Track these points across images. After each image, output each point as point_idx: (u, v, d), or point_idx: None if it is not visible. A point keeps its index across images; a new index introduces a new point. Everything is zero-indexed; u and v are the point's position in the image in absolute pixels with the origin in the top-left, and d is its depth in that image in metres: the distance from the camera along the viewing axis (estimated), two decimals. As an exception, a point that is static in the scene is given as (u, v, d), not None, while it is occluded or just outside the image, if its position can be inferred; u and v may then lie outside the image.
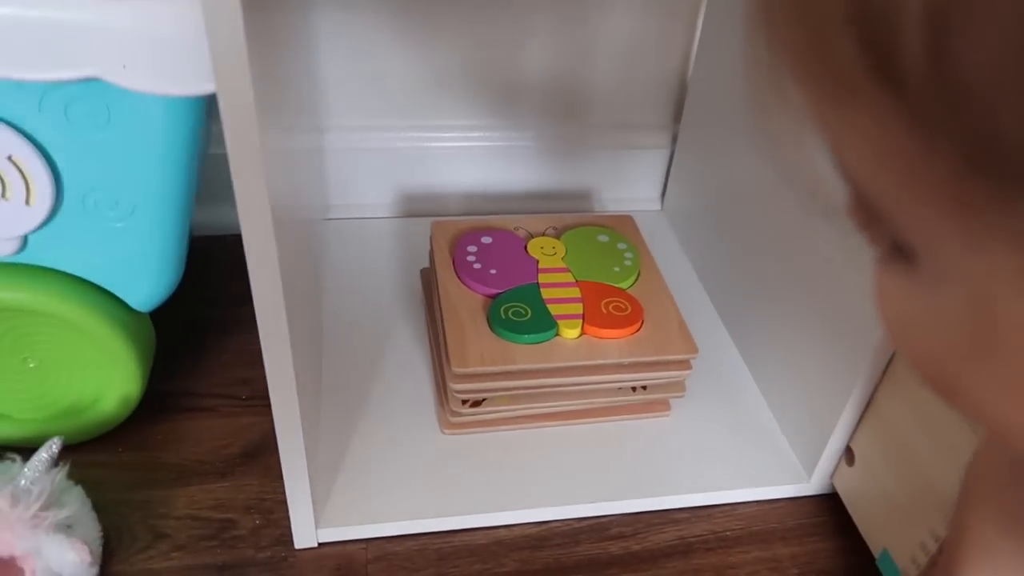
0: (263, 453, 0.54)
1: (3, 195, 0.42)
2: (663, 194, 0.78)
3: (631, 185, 0.77)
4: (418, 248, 0.70)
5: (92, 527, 0.46)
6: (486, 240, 0.60)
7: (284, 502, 0.46)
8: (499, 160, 0.73)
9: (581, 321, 0.54)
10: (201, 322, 0.63)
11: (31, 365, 0.50)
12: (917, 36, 0.13)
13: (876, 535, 0.50)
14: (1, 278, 0.46)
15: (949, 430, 0.44)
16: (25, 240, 0.45)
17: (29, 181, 0.42)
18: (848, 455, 0.52)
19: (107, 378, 0.51)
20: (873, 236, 0.19)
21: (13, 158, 0.41)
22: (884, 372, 0.48)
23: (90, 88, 0.39)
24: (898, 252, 0.18)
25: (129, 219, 0.45)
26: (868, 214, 0.18)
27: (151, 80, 0.39)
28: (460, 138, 0.72)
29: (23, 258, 0.46)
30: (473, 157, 0.73)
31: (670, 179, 0.76)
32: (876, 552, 0.50)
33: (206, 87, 0.40)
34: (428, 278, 0.63)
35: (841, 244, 0.49)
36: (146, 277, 0.48)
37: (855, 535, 0.52)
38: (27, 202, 0.43)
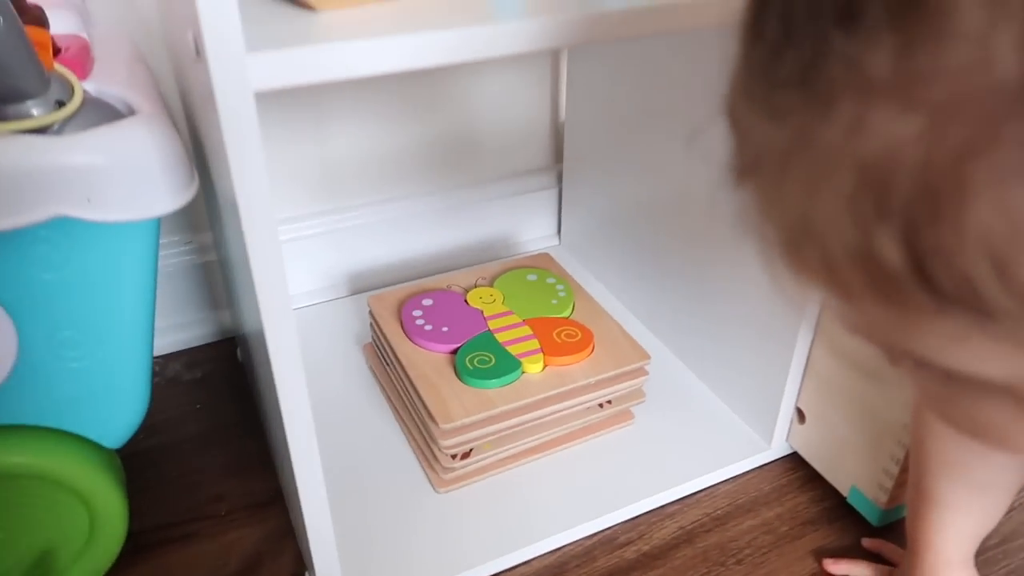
0: (264, 562, 0.53)
1: (-35, 357, 0.40)
2: (559, 229, 0.83)
3: (530, 226, 0.82)
4: (349, 327, 0.71)
5: None
6: (427, 302, 0.62)
7: (315, 597, 0.46)
8: (408, 228, 0.76)
9: (542, 355, 0.57)
10: (149, 452, 0.61)
11: (-1, 535, 0.47)
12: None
13: (841, 477, 0.57)
14: (-36, 447, 0.43)
15: (882, 367, 0.51)
16: (-13, 400, 0.43)
17: (-9, 336, 0.40)
18: (799, 415, 0.59)
19: (90, 527, 0.48)
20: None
21: (-27, 316, 0.40)
22: (814, 334, 0.55)
23: (51, 226, 0.39)
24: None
25: (95, 355, 0.44)
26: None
27: (120, 208, 0.39)
28: (369, 214, 0.74)
29: (-16, 421, 0.43)
30: (383, 230, 0.75)
31: (563, 214, 0.82)
32: (845, 491, 0.56)
33: (178, 201, 0.40)
34: (377, 351, 0.65)
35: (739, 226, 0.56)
36: (118, 412, 0.47)
37: (823, 483, 0.58)
38: (-9, 358, 0.41)
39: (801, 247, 0.21)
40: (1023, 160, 0.16)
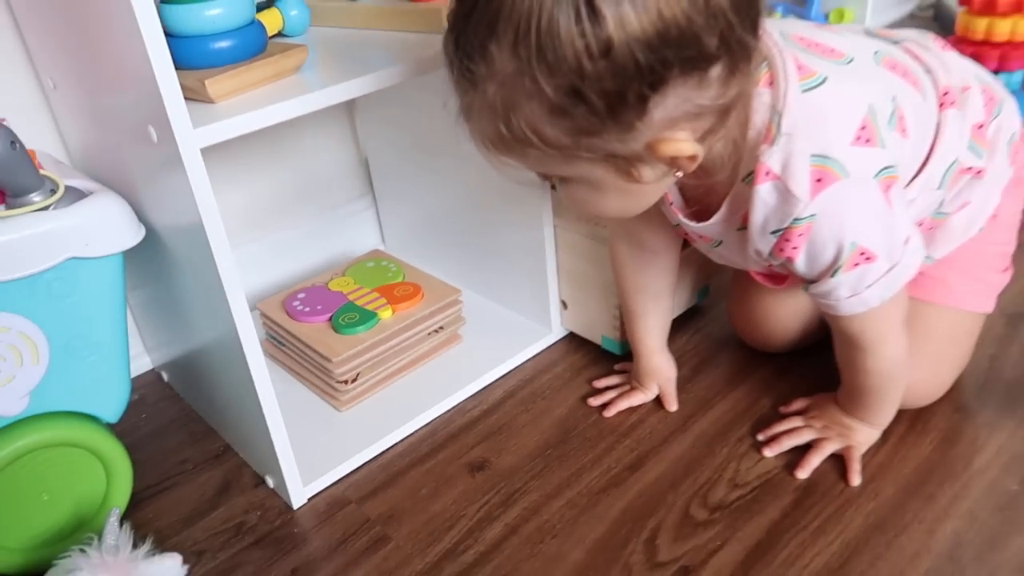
0: (231, 486, 0.76)
1: (21, 363, 0.62)
2: (382, 235, 1.11)
3: (363, 237, 1.09)
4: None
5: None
6: (302, 295, 0.88)
7: (266, 500, 0.71)
8: (276, 255, 1.01)
9: (389, 305, 0.85)
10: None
11: (45, 498, 0.68)
12: None
13: (595, 333, 0.88)
14: (19, 429, 0.64)
15: (599, 253, 0.82)
16: (30, 395, 0.64)
17: (33, 346, 0.63)
18: (563, 305, 0.90)
19: (107, 481, 0.70)
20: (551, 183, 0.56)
21: (22, 334, 0.62)
22: (556, 253, 0.86)
23: (64, 266, 0.62)
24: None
25: (98, 352, 0.67)
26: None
27: (106, 242, 0.63)
28: (248, 250, 0.99)
29: (29, 412, 0.65)
30: (260, 259, 1.00)
31: (383, 224, 1.10)
32: (599, 341, 0.88)
33: (138, 237, 0.65)
34: (273, 342, 0.89)
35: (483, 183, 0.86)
36: (115, 393, 0.70)
37: (587, 342, 0.89)
38: (35, 362, 0.63)
39: (499, 145, 0.51)
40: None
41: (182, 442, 0.83)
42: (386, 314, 0.84)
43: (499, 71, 0.47)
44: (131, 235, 0.65)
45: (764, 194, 0.56)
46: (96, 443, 0.68)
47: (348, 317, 0.83)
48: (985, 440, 0.71)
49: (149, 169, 0.63)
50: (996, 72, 1.30)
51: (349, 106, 1.03)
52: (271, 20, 0.75)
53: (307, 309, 0.86)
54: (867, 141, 0.56)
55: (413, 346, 0.86)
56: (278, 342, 0.88)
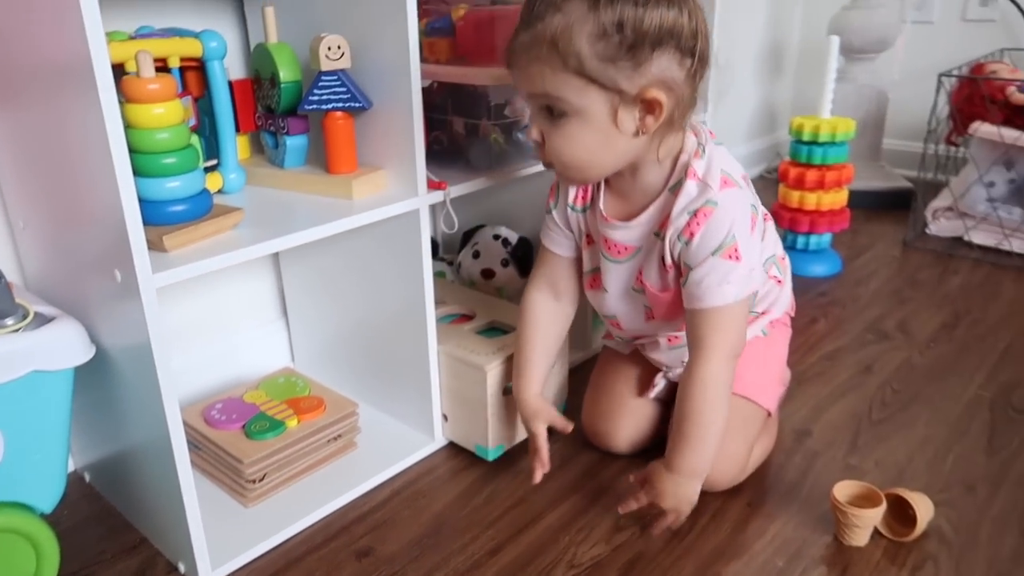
0: (147, 572, 0.88)
1: (-20, 457, 0.75)
2: (292, 356, 1.27)
3: (276, 358, 1.24)
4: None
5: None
6: (219, 406, 1.02)
7: None
8: (197, 371, 1.15)
9: (295, 415, 1.00)
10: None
11: (-18, 580, 0.78)
12: None
13: (469, 440, 1.05)
14: (-29, 517, 0.76)
15: (474, 376, 1.01)
16: (-17, 487, 0.76)
17: (-7, 444, 0.75)
18: (444, 417, 1.07)
19: (36, 564, 0.81)
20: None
21: (-15, 433, 0.75)
22: (440, 376, 1.04)
23: (28, 377, 0.76)
24: (556, 118, 0.78)
25: (44, 450, 0.80)
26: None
27: (63, 359, 0.77)
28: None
29: (-21, 501, 0.76)
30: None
31: (293, 347, 1.26)
32: (473, 449, 1.05)
33: (90, 354, 0.79)
34: (193, 447, 1.02)
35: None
36: (53, 487, 0.82)
37: (464, 450, 1.06)
38: (-8, 457, 0.75)
39: (541, 61, 0.75)
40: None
41: (101, 535, 0.94)
42: (292, 423, 0.99)
43: (569, 11, 0.73)
44: (84, 353, 0.80)
45: (690, 188, 0.83)
46: (32, 530, 0.79)
47: (259, 425, 0.98)
48: (765, 528, 0.92)
49: (107, 301, 0.78)
50: (808, 233, 1.60)
51: (270, 243, 1.21)
52: (214, 181, 0.93)
53: (223, 418, 1.00)
54: (747, 185, 0.86)
55: (314, 451, 1.00)
56: (194, 446, 1.02)
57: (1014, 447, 1.06)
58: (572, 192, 0.93)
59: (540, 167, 1.08)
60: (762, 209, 0.90)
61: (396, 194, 0.95)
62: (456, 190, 0.98)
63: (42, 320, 0.79)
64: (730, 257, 0.82)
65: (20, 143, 0.83)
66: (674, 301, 0.90)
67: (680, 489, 0.87)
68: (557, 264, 0.97)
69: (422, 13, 1.01)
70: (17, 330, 0.76)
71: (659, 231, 0.85)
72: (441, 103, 1.03)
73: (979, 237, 1.71)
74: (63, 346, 0.78)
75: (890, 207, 1.96)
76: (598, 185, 0.91)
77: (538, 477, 0.95)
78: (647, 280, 0.90)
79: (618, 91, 0.75)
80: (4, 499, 0.78)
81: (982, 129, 1.63)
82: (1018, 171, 1.66)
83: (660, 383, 1.02)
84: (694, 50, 0.76)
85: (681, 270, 0.86)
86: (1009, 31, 2.02)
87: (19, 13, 0.72)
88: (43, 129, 0.77)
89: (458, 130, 1.02)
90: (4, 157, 0.88)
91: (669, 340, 0.97)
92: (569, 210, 0.94)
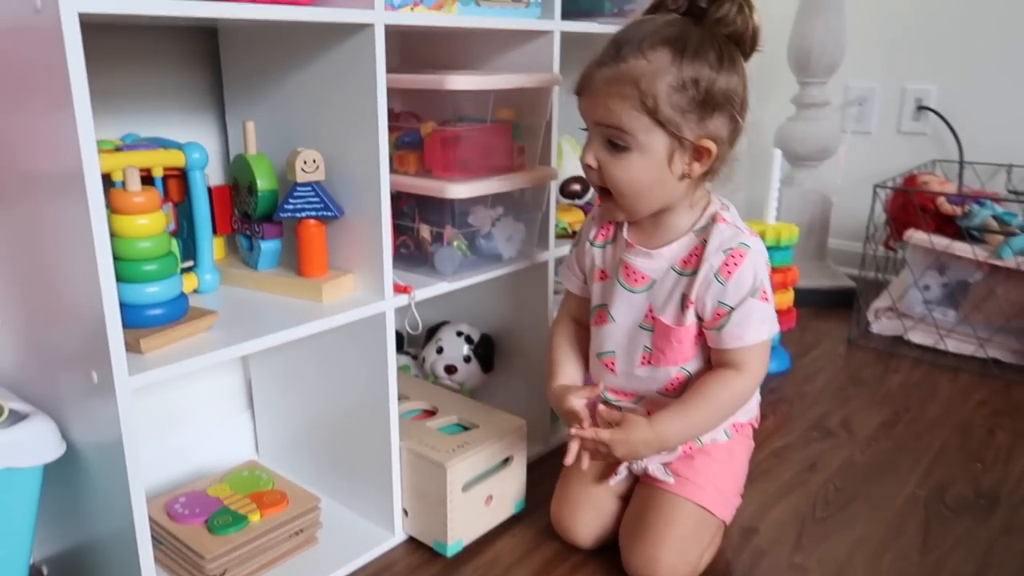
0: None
1: (-56, 555, 0.76)
2: (257, 448, 1.29)
3: (242, 451, 1.26)
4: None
5: None
6: (183, 499, 1.04)
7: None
8: (162, 462, 1.16)
9: (258, 510, 1.02)
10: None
11: None
12: None
13: (428, 535, 1.07)
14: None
15: (434, 472, 1.04)
16: (-56, 585, 0.77)
17: (-42, 541, 0.77)
18: (405, 512, 1.09)
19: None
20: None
21: (-49, 530, 0.76)
22: (401, 473, 1.07)
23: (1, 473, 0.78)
24: (617, 150, 0.89)
25: (9, 546, 0.81)
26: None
27: (34, 456, 0.80)
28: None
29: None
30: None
31: (258, 440, 1.28)
32: (432, 544, 1.07)
33: (60, 451, 0.82)
34: (156, 541, 1.03)
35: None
36: (13, 582, 0.83)
37: (423, 545, 1.08)
38: (-44, 555, 0.77)
39: (621, 98, 0.86)
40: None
41: (56, 632, 0.94)
42: (255, 518, 1.01)
43: (654, 59, 0.85)
44: (56, 450, 0.82)
45: (723, 230, 0.93)
46: (-10, 628, 0.80)
47: (222, 519, 1.00)
48: (711, 624, 0.95)
49: (81, 399, 0.81)
50: (757, 331, 1.68)
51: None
52: (190, 281, 0.98)
53: (186, 512, 1.01)
54: None
55: (276, 546, 1.02)
56: (157, 540, 1.02)
57: (947, 546, 1.11)
58: (594, 230, 1.04)
59: (502, 271, 1.14)
60: None
61: (364, 297, 1.00)
62: (421, 293, 1.04)
63: (16, 417, 0.82)
64: (763, 299, 0.93)
65: (3, 243, 0.87)
66: (682, 339, 0.97)
67: (641, 447, 0.95)
68: (575, 301, 1.09)
69: (394, 128, 1.09)
70: (-9, 428, 0.79)
71: (683, 268, 0.95)
72: (409, 210, 1.10)
73: (917, 337, 1.81)
74: (35, 443, 0.80)
75: (836, 305, 2.06)
76: (621, 225, 1.01)
77: (574, 451, 0.98)
78: (660, 315, 0.97)
79: (679, 137, 0.88)
80: (-37, 596, 0.79)
81: (915, 236, 1.75)
82: (950, 276, 1.77)
83: (622, 472, 1.06)
84: (741, 117, 0.90)
85: (706, 307, 0.94)
86: (940, 143, 2.18)
87: (16, 123, 0.78)
88: (28, 232, 0.82)
89: (424, 236, 1.09)
90: (-12, 257, 0.92)
91: (648, 412, 1.01)
92: (588, 245, 1.04)
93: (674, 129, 0.87)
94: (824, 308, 2.07)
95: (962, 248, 1.68)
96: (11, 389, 0.92)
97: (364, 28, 0.91)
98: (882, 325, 1.88)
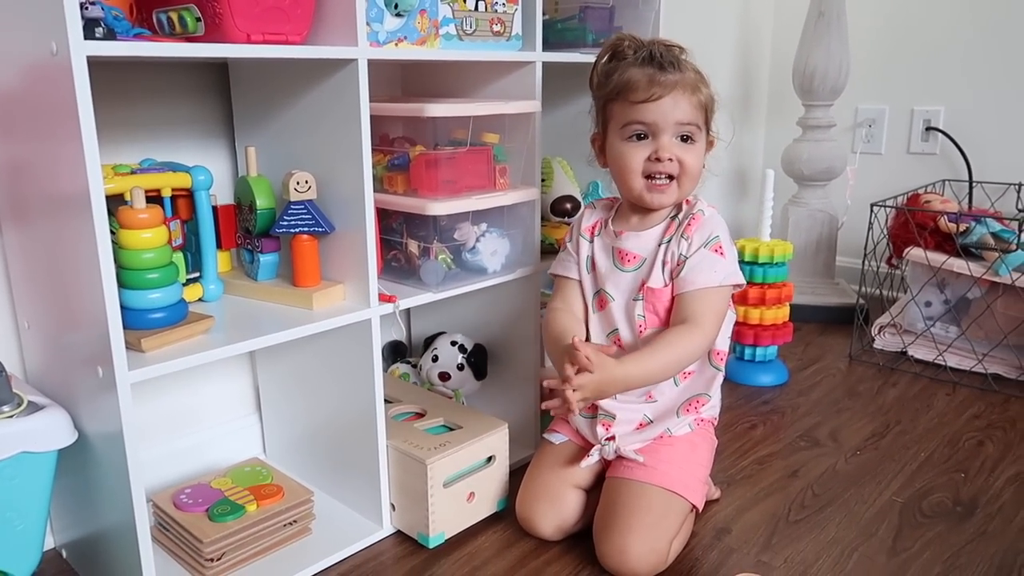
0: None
1: (-31, 526, 0.86)
2: (264, 447, 1.39)
3: (248, 448, 1.36)
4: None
5: None
6: (188, 490, 1.14)
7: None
8: (173, 459, 1.27)
9: (255, 501, 1.11)
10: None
11: (-40, 640, 0.88)
12: None
13: (413, 528, 1.15)
14: (-45, 580, 0.87)
15: (419, 469, 1.12)
16: (-32, 553, 0.88)
17: (-19, 515, 0.87)
18: (392, 506, 1.17)
19: (12, 626, 0.91)
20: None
21: (-25, 505, 0.87)
22: (388, 469, 1.15)
23: (17, 457, 0.88)
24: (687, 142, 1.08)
25: (26, 522, 0.91)
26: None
27: (49, 442, 0.90)
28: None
29: (-36, 566, 0.88)
30: (152, 464, 1.25)
31: (266, 439, 1.38)
32: (415, 536, 1.15)
33: (73, 439, 0.92)
34: (161, 528, 1.13)
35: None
36: (31, 556, 0.93)
37: (409, 538, 1.16)
38: (-21, 527, 0.87)
39: (693, 97, 1.06)
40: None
41: (72, 607, 1.04)
42: (252, 508, 1.10)
43: (693, 71, 1.07)
44: (68, 437, 0.93)
45: (686, 207, 1.12)
46: (9, 595, 0.90)
47: (221, 508, 1.09)
48: (668, 615, 1.01)
49: (91, 393, 0.91)
50: (753, 345, 1.73)
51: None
52: (195, 291, 1.08)
53: (191, 502, 1.11)
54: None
55: (270, 534, 1.11)
56: (163, 527, 1.12)
57: (915, 549, 1.14)
58: (587, 224, 1.18)
59: (486, 283, 1.23)
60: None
61: (351, 305, 1.09)
62: (406, 303, 1.12)
63: (34, 408, 0.92)
64: (716, 251, 1.08)
65: (29, 256, 0.99)
66: (666, 297, 1.11)
67: (607, 387, 1.04)
68: (569, 286, 1.19)
69: (387, 151, 1.19)
70: (11, 416, 0.89)
71: (663, 239, 1.11)
72: (398, 227, 1.19)
73: (919, 352, 1.83)
74: (50, 431, 0.91)
75: (842, 322, 2.08)
76: (606, 220, 1.17)
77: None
78: (650, 283, 1.10)
79: (709, 132, 1.11)
80: (-15, 566, 0.90)
81: (913, 253, 1.78)
82: (951, 292, 1.79)
83: (594, 455, 1.12)
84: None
85: (675, 263, 1.09)
86: (950, 163, 2.20)
87: (38, 152, 0.89)
88: (48, 246, 0.93)
89: (412, 250, 1.18)
90: (16, 267, 1.03)
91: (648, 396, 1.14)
92: (581, 239, 1.17)
93: (708, 128, 1.10)
94: (831, 324, 2.09)
95: (960, 265, 1.70)
96: (34, 384, 1.04)
97: (349, 63, 1.00)
98: (885, 341, 1.90)
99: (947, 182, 2.16)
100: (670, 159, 1.06)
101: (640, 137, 1.07)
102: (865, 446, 1.46)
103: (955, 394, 1.69)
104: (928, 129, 2.21)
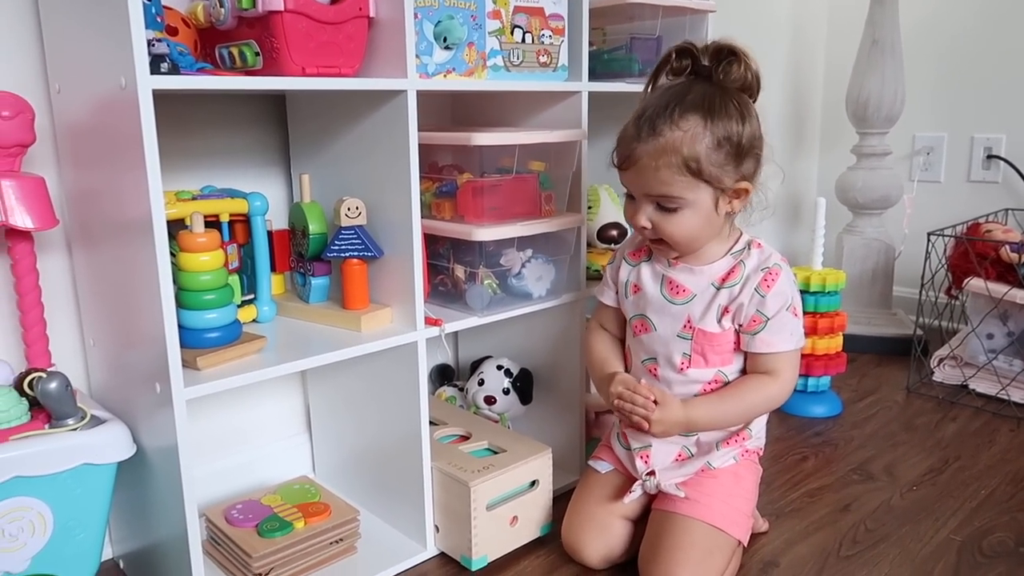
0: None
1: (33, 535, 0.91)
2: (314, 467, 1.42)
3: (299, 467, 1.39)
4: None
5: None
6: (239, 506, 1.17)
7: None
8: (225, 475, 1.31)
9: (303, 518, 1.14)
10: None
11: (21, 643, 0.92)
12: None
13: (456, 551, 1.16)
14: (19, 585, 0.91)
15: (462, 491, 1.13)
16: (32, 559, 0.92)
17: (44, 523, 0.91)
18: (436, 528, 1.19)
19: (69, 632, 0.94)
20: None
21: (39, 514, 0.91)
22: (433, 495, 1.17)
23: (79, 468, 0.93)
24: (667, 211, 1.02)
25: (86, 532, 0.95)
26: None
27: (110, 455, 0.94)
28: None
29: (27, 572, 0.92)
30: (206, 480, 1.29)
31: (316, 460, 1.41)
32: (459, 558, 1.15)
33: (131, 452, 0.96)
34: (212, 543, 1.16)
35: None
36: (90, 563, 0.97)
37: (452, 559, 1.17)
38: (42, 535, 0.92)
39: (666, 168, 0.98)
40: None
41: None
42: (299, 525, 1.13)
43: (687, 127, 0.97)
44: (127, 451, 0.97)
45: (761, 252, 1.07)
46: (68, 601, 0.94)
47: (270, 525, 1.12)
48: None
49: (149, 409, 0.96)
50: (805, 375, 1.70)
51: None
52: (250, 312, 1.13)
53: (241, 517, 1.14)
54: None
55: (316, 552, 1.13)
56: (215, 541, 1.16)
57: (973, 589, 1.10)
58: (629, 249, 1.16)
59: (531, 308, 1.24)
60: None
61: (398, 328, 1.12)
62: (451, 326, 1.15)
63: (96, 421, 0.97)
64: (794, 314, 1.07)
65: (96, 278, 1.04)
66: (721, 344, 1.08)
67: (672, 427, 1.06)
68: (606, 312, 1.20)
69: (436, 179, 1.22)
70: (75, 429, 0.94)
71: (721, 284, 1.07)
72: (445, 252, 1.22)
73: (981, 386, 1.77)
74: (110, 444, 0.95)
75: (900, 353, 2.03)
76: None
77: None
78: (699, 324, 1.08)
79: (721, 187, 1.00)
80: (50, 571, 0.93)
81: (973, 284, 1.73)
82: (1014, 324, 1.73)
83: (636, 490, 1.12)
84: (761, 153, 1.03)
85: (743, 317, 1.06)
86: (1012, 192, 2.14)
87: (107, 179, 0.94)
88: (112, 268, 0.98)
89: (459, 275, 1.20)
90: (84, 288, 1.09)
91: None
92: (623, 263, 1.15)
93: (716, 182, 1.00)
94: (887, 356, 2.04)
95: (1022, 296, 1.65)
96: (97, 399, 1.08)
97: (399, 94, 1.04)
98: (945, 373, 1.85)
99: (1010, 211, 2.10)
100: (643, 227, 1.04)
101: (631, 196, 1.06)
102: (922, 481, 1.41)
103: (1019, 430, 1.62)
104: (989, 157, 2.16)
